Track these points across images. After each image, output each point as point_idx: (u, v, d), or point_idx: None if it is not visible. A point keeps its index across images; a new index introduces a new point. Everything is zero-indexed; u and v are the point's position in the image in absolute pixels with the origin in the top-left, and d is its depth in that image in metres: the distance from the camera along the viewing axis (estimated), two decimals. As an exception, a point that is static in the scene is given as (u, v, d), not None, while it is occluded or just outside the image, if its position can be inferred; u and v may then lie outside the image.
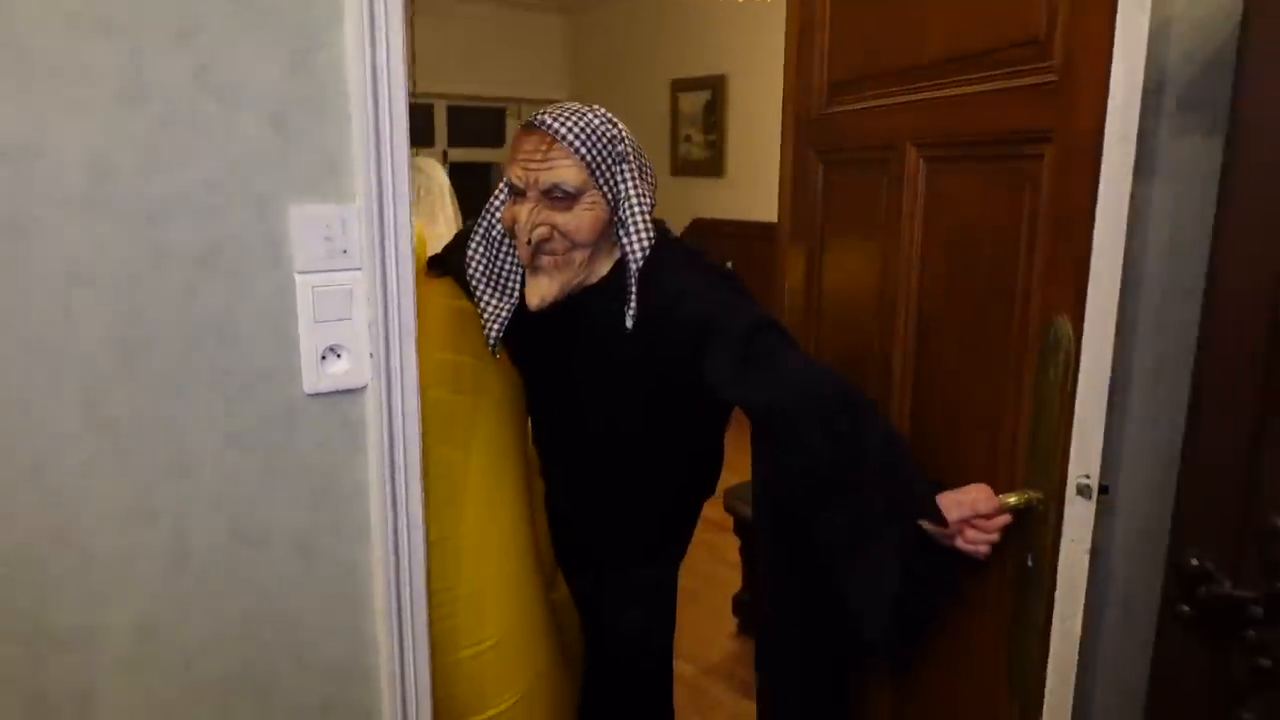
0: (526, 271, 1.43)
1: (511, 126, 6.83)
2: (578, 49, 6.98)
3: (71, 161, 0.96)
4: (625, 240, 1.38)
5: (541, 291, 1.39)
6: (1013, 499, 1.06)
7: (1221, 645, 0.80)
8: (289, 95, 1.09)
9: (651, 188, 1.43)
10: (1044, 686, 1.00)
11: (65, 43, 0.94)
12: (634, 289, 1.38)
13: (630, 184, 1.38)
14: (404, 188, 1.18)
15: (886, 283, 1.38)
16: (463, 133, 6.51)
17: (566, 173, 1.34)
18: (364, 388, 1.21)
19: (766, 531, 1.52)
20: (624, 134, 1.40)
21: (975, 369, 1.18)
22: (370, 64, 1.12)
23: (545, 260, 1.38)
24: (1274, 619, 0.76)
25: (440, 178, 3.85)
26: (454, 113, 6.39)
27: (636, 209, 1.38)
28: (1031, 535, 1.04)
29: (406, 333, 1.23)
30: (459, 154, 6.44)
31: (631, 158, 1.39)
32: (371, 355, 1.20)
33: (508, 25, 6.60)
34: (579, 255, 1.39)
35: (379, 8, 1.12)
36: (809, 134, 1.66)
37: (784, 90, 1.73)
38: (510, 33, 6.62)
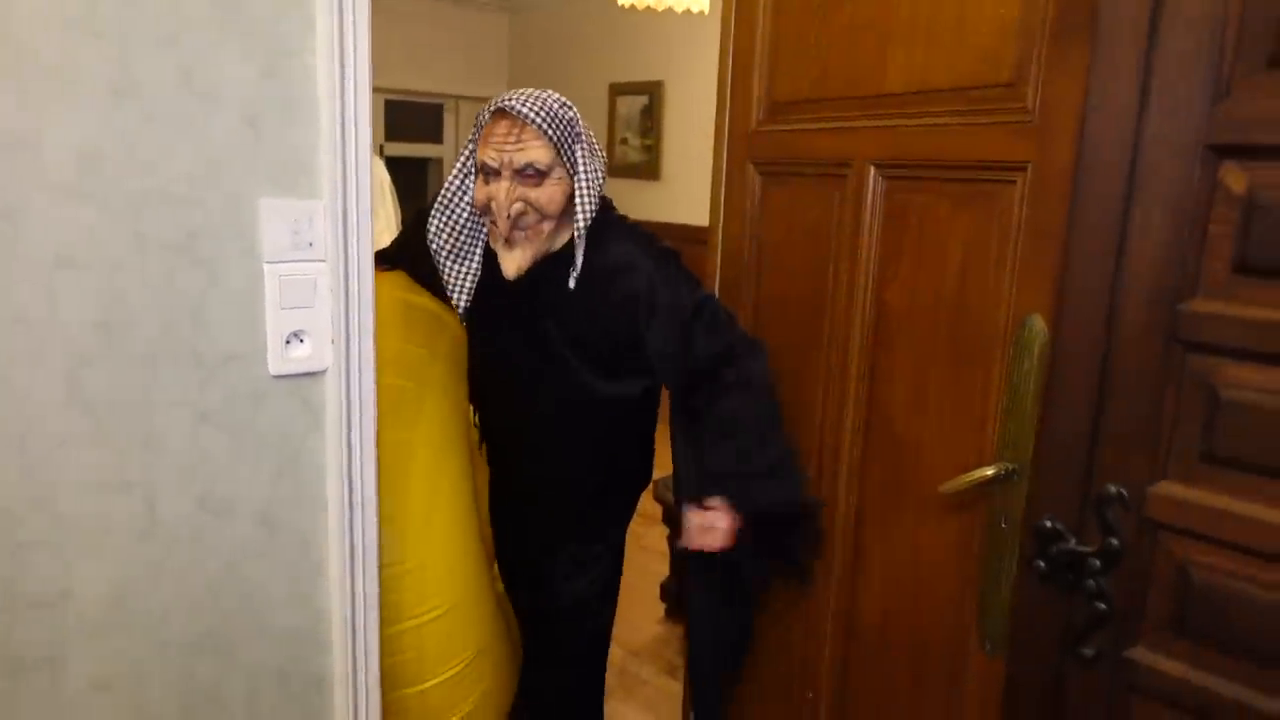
0: (501, 246, 1.57)
1: (449, 122, 6.85)
2: (518, 48, 7.04)
3: (63, 153, 1.04)
4: (577, 208, 1.54)
5: (517, 262, 1.54)
6: (990, 470, 1.19)
7: (1067, 593, 0.96)
8: (263, 97, 1.17)
9: (601, 163, 1.59)
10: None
11: (61, 44, 1.02)
12: (579, 251, 1.55)
13: (584, 160, 1.54)
14: (366, 186, 1.28)
15: (838, 285, 1.51)
16: (400, 128, 6.51)
17: (537, 152, 1.49)
18: (324, 371, 1.29)
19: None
20: (578, 115, 1.56)
21: (942, 361, 1.31)
22: (339, 72, 1.21)
23: (518, 234, 1.53)
24: (1108, 569, 0.92)
25: (381, 174, 3.88)
26: (392, 107, 6.39)
27: (585, 182, 1.54)
28: (1002, 501, 1.17)
29: (365, 321, 1.32)
30: (396, 148, 6.44)
31: (584, 137, 1.56)
32: (333, 341, 1.29)
33: (449, 22, 6.62)
34: (547, 226, 1.55)
35: (348, 20, 1.21)
36: (745, 147, 1.79)
37: (718, 104, 1.85)
38: (451, 29, 6.64)
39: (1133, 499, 0.90)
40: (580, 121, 1.57)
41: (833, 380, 1.53)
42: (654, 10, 3.48)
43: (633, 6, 3.46)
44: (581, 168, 1.54)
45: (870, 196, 1.46)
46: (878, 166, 1.45)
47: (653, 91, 5.69)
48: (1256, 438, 0.82)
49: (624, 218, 1.68)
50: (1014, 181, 1.18)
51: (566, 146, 1.52)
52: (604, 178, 1.60)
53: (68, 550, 1.13)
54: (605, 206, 1.63)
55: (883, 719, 1.45)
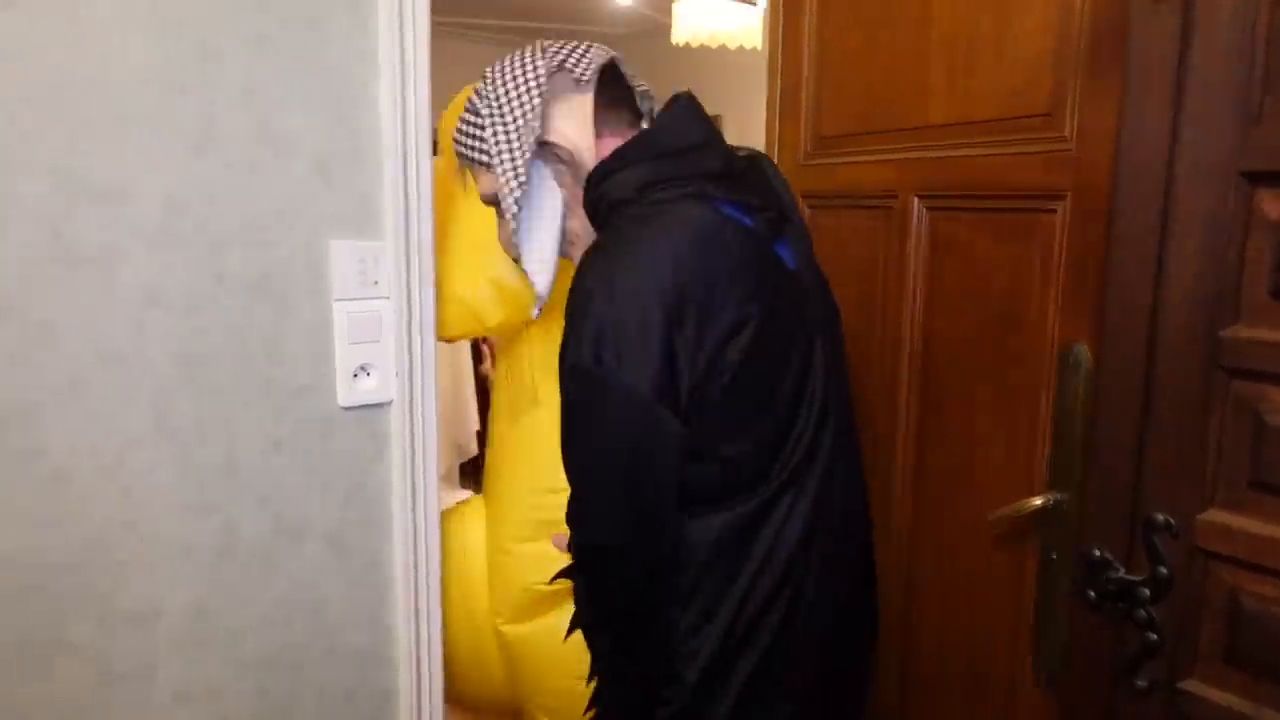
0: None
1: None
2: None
3: (152, 201, 1.13)
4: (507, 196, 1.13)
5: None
6: (1038, 501, 1.19)
7: (1118, 623, 0.95)
8: (332, 146, 1.25)
9: (522, 128, 1.09)
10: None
11: (150, 100, 1.11)
12: (524, 264, 1.16)
13: (495, 147, 1.11)
14: (428, 227, 1.35)
15: (887, 314, 1.53)
16: (469, 163, 6.71)
17: (481, 185, 1.19)
18: (389, 403, 1.36)
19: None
20: (484, 96, 1.14)
21: (990, 390, 1.32)
22: (401, 120, 1.29)
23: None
24: (1157, 598, 0.91)
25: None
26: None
27: (502, 167, 1.11)
28: (1052, 532, 1.17)
29: (427, 354, 1.39)
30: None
31: (485, 118, 1.12)
32: (397, 374, 1.36)
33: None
34: (527, 253, 1.17)
35: (409, 73, 1.29)
36: (794, 180, 1.82)
37: (766, 139, 1.89)
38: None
39: (1181, 527, 0.89)
40: (487, 98, 1.13)
41: (881, 409, 1.53)
42: (708, 47, 3.54)
43: (687, 45, 3.53)
44: (495, 153, 1.11)
45: (915, 226, 1.47)
46: (921, 197, 1.47)
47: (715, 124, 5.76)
48: (1304, 464, 0.82)
49: (629, 202, 1.00)
50: (1054, 211, 1.18)
51: (483, 155, 1.13)
52: (528, 144, 1.09)
53: (158, 569, 1.21)
54: (607, 193, 1.03)
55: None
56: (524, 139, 1.08)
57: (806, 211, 1.79)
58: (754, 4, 3.54)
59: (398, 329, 1.35)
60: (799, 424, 0.99)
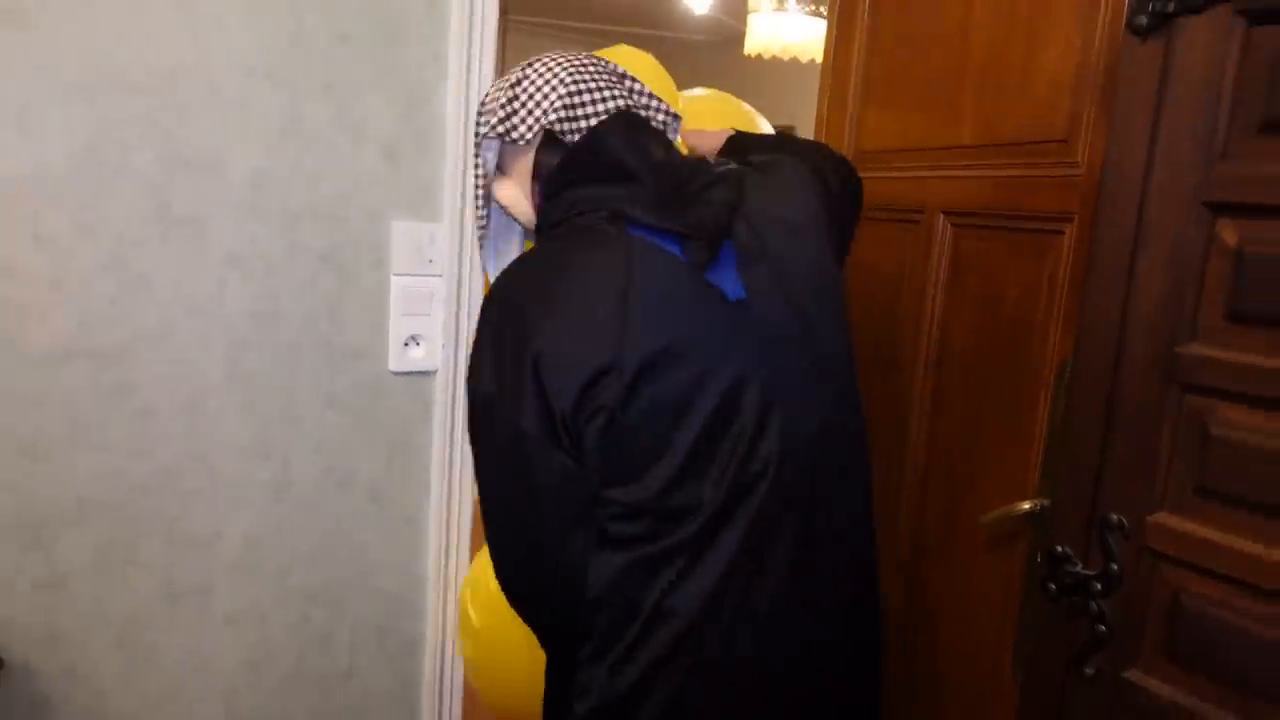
0: None
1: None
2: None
3: (241, 174, 1.29)
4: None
5: None
6: (1026, 505, 1.27)
7: (1073, 616, 1.01)
8: (400, 136, 1.40)
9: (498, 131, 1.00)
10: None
11: (243, 87, 1.27)
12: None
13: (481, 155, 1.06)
14: (483, 213, 1.48)
15: (908, 323, 1.61)
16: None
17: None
18: (435, 372, 1.50)
19: None
20: (494, 93, 1.03)
21: (996, 399, 1.39)
22: (464, 116, 1.42)
23: None
24: (1108, 592, 0.98)
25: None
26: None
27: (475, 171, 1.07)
28: (1038, 535, 1.22)
29: (472, 330, 1.52)
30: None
31: (481, 122, 1.03)
32: (443, 346, 1.50)
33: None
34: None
35: (474, 75, 1.43)
36: (834, 191, 1.91)
37: (816, 151, 1.98)
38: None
39: (1132, 527, 0.96)
40: (494, 100, 1.02)
41: (896, 413, 1.61)
42: (780, 59, 3.63)
43: (759, 56, 3.63)
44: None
45: (939, 241, 1.55)
46: (947, 214, 1.54)
47: (785, 133, 5.82)
48: (1245, 475, 0.88)
49: (554, 225, 0.97)
50: (1062, 232, 1.25)
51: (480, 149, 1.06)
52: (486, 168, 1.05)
53: (219, 501, 1.36)
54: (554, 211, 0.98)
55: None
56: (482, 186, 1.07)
57: (844, 223, 1.87)
58: (824, 18, 3.62)
59: (447, 305, 1.48)
60: (714, 471, 0.87)
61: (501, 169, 1.05)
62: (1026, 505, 1.27)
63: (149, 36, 1.20)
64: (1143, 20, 0.94)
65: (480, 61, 1.44)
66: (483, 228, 1.10)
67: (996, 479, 1.39)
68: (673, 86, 1.66)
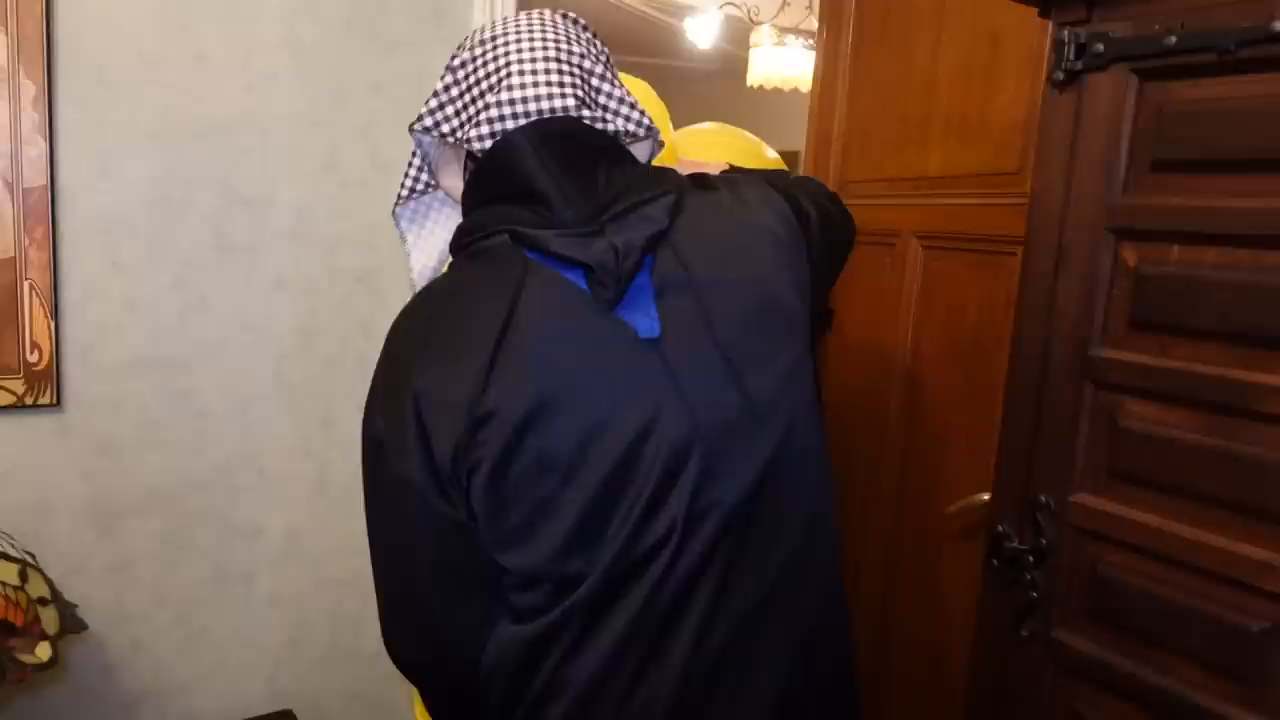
0: None
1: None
2: (678, 118, 7.54)
3: (287, 207, 1.47)
4: None
5: None
6: (985, 495, 1.41)
7: (1012, 586, 1.16)
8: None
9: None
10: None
11: (290, 131, 1.45)
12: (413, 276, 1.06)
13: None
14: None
15: (885, 337, 1.78)
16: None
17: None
18: (457, 381, 1.67)
19: None
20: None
21: (962, 404, 1.55)
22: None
23: None
24: (1038, 564, 1.13)
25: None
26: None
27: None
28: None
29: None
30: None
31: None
32: (465, 358, 1.67)
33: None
34: None
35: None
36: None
37: (804, 180, 2.16)
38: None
39: (1057, 507, 1.11)
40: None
41: (874, 420, 1.77)
42: (781, 90, 3.82)
43: (761, 86, 3.82)
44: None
45: (911, 263, 1.71)
46: (919, 237, 1.71)
47: (790, 160, 6.01)
48: (1146, 459, 1.03)
49: (457, 250, 0.87)
50: (1015, 253, 1.41)
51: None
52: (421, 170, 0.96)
53: (264, 498, 1.53)
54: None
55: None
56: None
57: (829, 246, 2.04)
58: (823, 54, 3.81)
59: (467, 321, 1.66)
60: (608, 536, 0.75)
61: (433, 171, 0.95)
62: (985, 496, 1.43)
63: (211, 91, 1.39)
64: (1060, 75, 1.11)
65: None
66: (404, 197, 0.97)
67: (964, 477, 1.54)
68: (666, 116, 1.68)
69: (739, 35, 4.48)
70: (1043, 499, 1.13)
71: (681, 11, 4.16)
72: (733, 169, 1.19)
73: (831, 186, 2.05)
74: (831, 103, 2.01)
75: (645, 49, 5.62)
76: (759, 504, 0.81)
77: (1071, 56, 1.08)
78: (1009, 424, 1.19)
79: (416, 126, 0.87)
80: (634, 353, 0.77)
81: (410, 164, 0.95)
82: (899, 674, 1.70)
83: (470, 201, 0.86)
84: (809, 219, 0.98)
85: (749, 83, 3.92)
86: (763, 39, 3.75)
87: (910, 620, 1.67)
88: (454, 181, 0.93)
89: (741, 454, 0.80)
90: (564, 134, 0.83)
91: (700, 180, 0.92)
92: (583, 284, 0.78)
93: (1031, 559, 1.14)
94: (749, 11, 3.77)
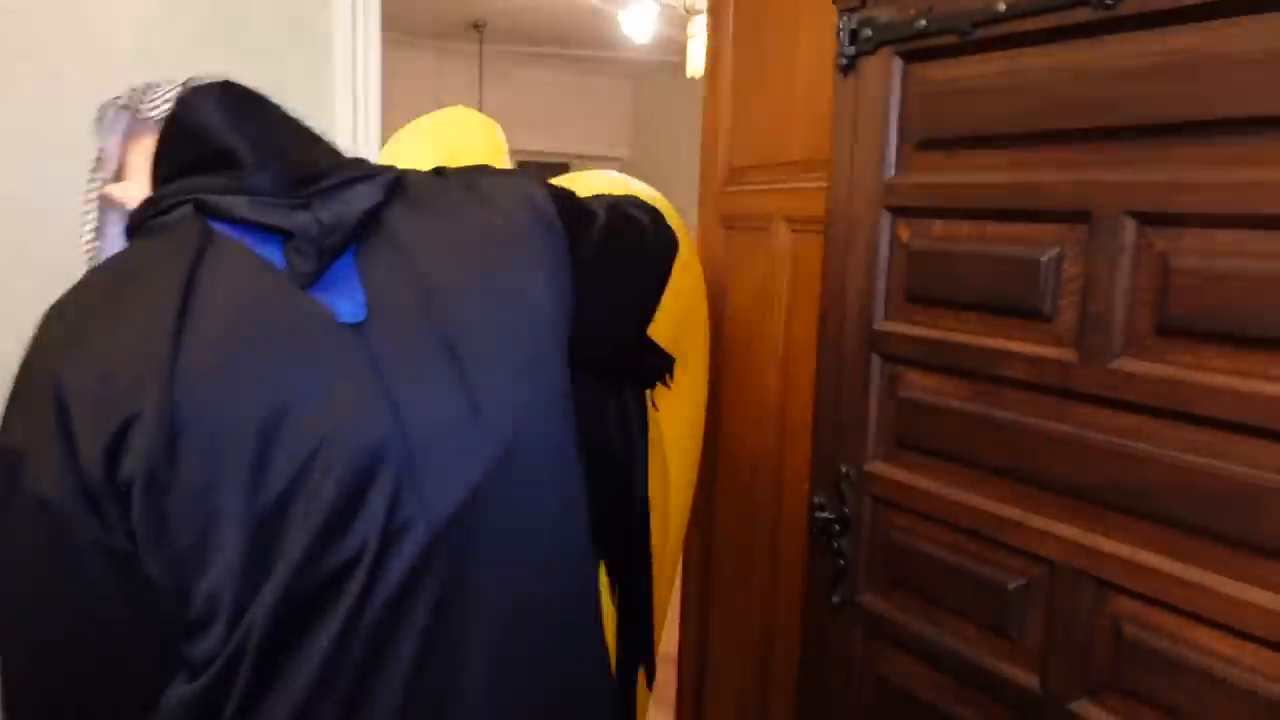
0: None
1: (574, 180, 7.46)
2: (641, 112, 7.59)
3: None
4: None
5: None
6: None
7: (825, 553, 1.21)
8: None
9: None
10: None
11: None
12: None
13: None
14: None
15: (765, 322, 1.83)
16: (528, 185, 7.17)
17: None
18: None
19: None
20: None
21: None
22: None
23: None
24: (844, 532, 1.17)
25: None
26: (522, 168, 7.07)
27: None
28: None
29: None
30: (524, 204, 7.09)
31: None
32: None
33: (576, 89, 7.26)
34: None
35: (360, 116, 1.66)
36: (713, 205, 2.13)
37: (699, 170, 2.20)
38: (578, 96, 7.28)
39: (857, 477, 1.16)
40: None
41: (756, 397, 1.82)
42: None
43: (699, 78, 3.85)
44: None
45: (782, 248, 1.76)
46: (787, 221, 1.75)
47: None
48: (923, 427, 1.08)
49: (133, 229, 0.77)
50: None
51: None
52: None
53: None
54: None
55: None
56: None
57: (721, 233, 2.09)
58: (759, 43, 3.84)
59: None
60: (285, 560, 0.64)
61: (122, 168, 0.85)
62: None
63: (68, 108, 1.44)
64: (843, 61, 1.15)
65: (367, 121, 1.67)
66: (90, 242, 0.86)
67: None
68: (499, 141, 1.53)
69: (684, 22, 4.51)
70: (844, 469, 1.18)
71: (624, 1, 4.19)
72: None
73: (720, 176, 2.09)
74: (718, 93, 2.06)
75: (590, 41, 5.64)
76: (485, 514, 0.71)
77: (848, 42, 1.13)
78: (818, 398, 1.24)
79: (111, 105, 0.82)
80: (330, 339, 0.69)
81: (87, 215, 0.86)
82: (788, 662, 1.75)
83: (157, 179, 0.76)
84: (592, 219, 0.91)
85: (688, 74, 3.95)
86: (698, 30, 3.79)
87: (799, 603, 1.71)
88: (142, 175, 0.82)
89: (458, 457, 0.70)
90: (259, 98, 0.78)
91: (437, 171, 0.88)
92: (278, 261, 0.70)
93: (838, 528, 1.19)
94: (684, 3, 3.81)
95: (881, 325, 1.12)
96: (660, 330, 1.06)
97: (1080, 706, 0.92)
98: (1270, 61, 0.76)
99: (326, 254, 0.70)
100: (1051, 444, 0.93)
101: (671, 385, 1.12)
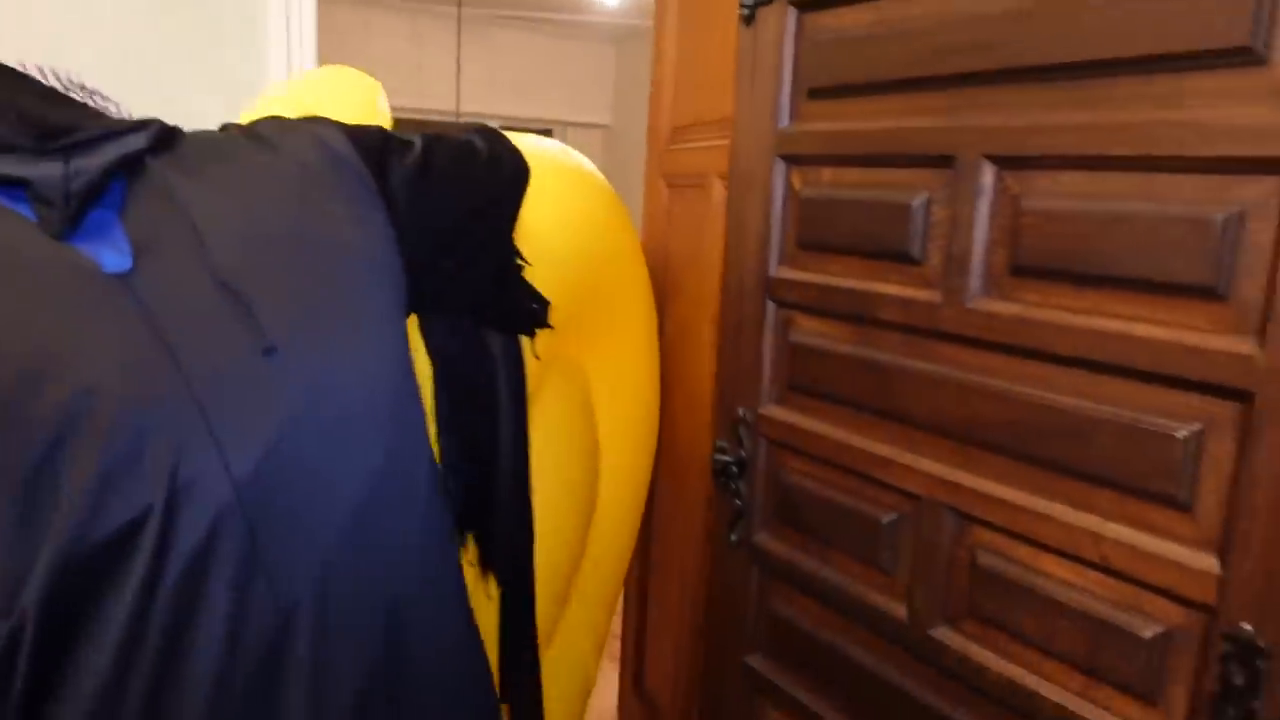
0: None
1: (556, 146, 7.42)
2: (623, 77, 7.54)
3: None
4: None
5: None
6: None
7: (726, 495, 1.24)
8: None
9: None
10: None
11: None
12: None
13: None
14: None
15: (702, 275, 1.84)
16: (509, 150, 7.14)
17: None
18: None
19: None
20: None
21: None
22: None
23: None
24: (741, 474, 1.20)
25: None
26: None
27: None
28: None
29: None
30: (504, 169, 7.07)
31: None
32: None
33: (558, 53, 7.20)
34: None
35: (294, 63, 1.67)
36: (658, 164, 2.15)
37: (649, 128, 2.22)
38: (560, 60, 7.23)
39: (753, 420, 1.19)
40: None
41: (694, 351, 1.85)
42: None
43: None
44: None
45: (715, 203, 1.78)
46: (720, 177, 1.77)
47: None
48: (812, 370, 1.11)
49: None
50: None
51: None
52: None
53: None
54: None
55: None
56: None
57: (665, 192, 2.11)
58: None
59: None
60: (57, 517, 0.59)
61: None
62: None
63: None
64: (745, 11, 1.17)
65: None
66: None
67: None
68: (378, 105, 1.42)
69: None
70: (742, 413, 1.21)
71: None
72: None
73: (666, 133, 2.10)
74: (664, 52, 2.06)
75: (562, 5, 5.60)
76: (294, 466, 0.67)
77: (747, -9, 1.15)
78: (721, 343, 1.27)
79: None
80: (92, 289, 0.66)
81: None
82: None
83: None
84: (406, 151, 0.90)
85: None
86: (668, -8, 3.77)
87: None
88: None
89: (253, 407, 0.66)
90: (4, 67, 0.75)
91: (222, 127, 0.89)
92: (29, 212, 0.68)
93: (736, 470, 1.23)
94: (654, -35, 3.78)
95: (776, 272, 1.15)
96: (558, 292, 1.07)
97: (940, 633, 0.96)
98: (1110, 4, 0.78)
99: (75, 199, 0.68)
100: (921, 383, 0.97)
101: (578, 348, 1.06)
